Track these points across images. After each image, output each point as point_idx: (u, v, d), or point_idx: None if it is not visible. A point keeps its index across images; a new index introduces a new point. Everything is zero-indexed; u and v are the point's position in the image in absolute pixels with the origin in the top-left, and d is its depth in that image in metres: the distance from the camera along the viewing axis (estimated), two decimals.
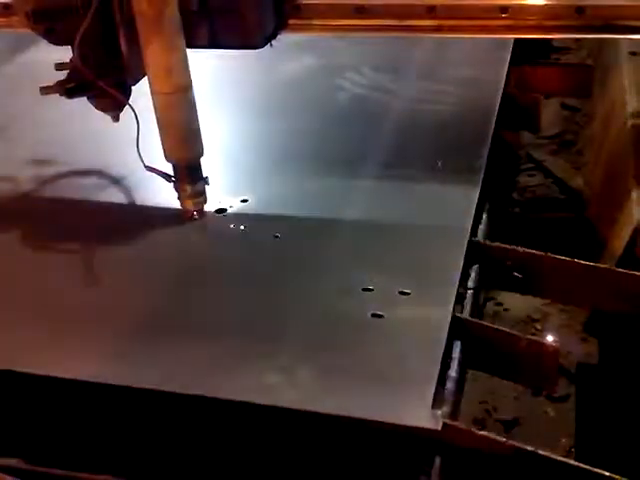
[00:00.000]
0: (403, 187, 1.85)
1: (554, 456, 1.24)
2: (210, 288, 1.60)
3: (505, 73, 2.28)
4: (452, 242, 1.64)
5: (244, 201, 1.83)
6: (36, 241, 1.76)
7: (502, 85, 2.23)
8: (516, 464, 1.25)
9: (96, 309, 1.56)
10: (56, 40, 1.54)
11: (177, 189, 1.73)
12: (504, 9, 1.57)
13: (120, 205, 1.88)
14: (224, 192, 1.81)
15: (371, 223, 1.74)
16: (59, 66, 1.58)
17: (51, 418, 1.42)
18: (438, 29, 1.63)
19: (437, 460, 1.25)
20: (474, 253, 1.64)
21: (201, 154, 1.70)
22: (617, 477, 1.20)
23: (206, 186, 1.75)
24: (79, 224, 1.82)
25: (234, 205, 1.81)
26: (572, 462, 1.24)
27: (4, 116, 2.32)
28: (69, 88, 1.58)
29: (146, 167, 1.71)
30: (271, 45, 1.69)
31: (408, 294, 1.51)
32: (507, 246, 1.64)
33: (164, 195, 1.80)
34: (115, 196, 1.91)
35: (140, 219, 1.81)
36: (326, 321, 1.48)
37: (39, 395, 1.42)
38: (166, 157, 1.69)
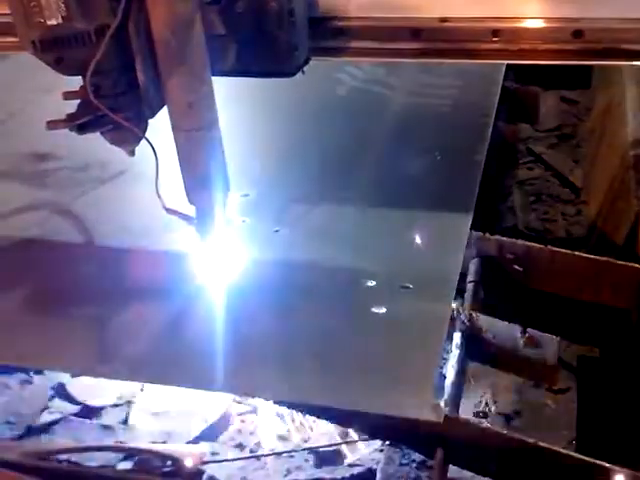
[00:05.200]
0: (403, 181, 1.85)
1: (555, 448, 1.24)
2: (210, 279, 1.60)
3: (504, 65, 2.27)
4: (452, 236, 1.65)
5: (244, 195, 1.83)
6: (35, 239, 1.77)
7: (501, 78, 2.23)
8: (517, 456, 1.26)
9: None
10: (66, 70, 1.36)
11: (199, 232, 1.55)
12: (495, 32, 1.44)
13: (117, 198, 1.88)
14: None
15: (372, 217, 1.74)
16: (68, 95, 1.39)
17: None
18: (424, 53, 1.49)
19: (439, 452, 1.26)
20: (474, 247, 1.64)
21: (226, 196, 1.53)
22: (618, 468, 1.21)
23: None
24: (79, 219, 1.83)
25: (234, 199, 1.81)
26: (573, 454, 1.25)
27: (2, 111, 2.31)
28: (80, 124, 1.39)
29: (166, 209, 1.54)
30: (303, 72, 1.52)
31: (409, 288, 1.52)
32: (507, 239, 1.65)
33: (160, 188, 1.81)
34: (113, 190, 1.91)
35: (137, 211, 1.81)
36: (327, 315, 1.48)
37: None
38: (188, 198, 1.51)
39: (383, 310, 1.47)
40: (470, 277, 1.59)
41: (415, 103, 2.18)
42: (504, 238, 1.65)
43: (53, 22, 1.29)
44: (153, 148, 1.46)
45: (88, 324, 1.51)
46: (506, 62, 2.03)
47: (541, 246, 1.62)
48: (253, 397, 1.32)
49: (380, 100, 2.20)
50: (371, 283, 1.53)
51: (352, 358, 1.37)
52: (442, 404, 1.27)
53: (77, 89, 1.38)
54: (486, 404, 1.84)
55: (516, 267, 1.65)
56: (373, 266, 1.58)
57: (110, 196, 1.90)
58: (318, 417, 1.36)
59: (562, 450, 1.25)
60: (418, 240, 1.66)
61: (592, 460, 1.22)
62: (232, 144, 2.05)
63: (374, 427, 1.34)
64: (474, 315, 1.48)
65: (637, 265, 1.57)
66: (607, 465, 1.21)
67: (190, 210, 1.55)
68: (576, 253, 1.61)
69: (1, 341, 1.48)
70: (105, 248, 1.72)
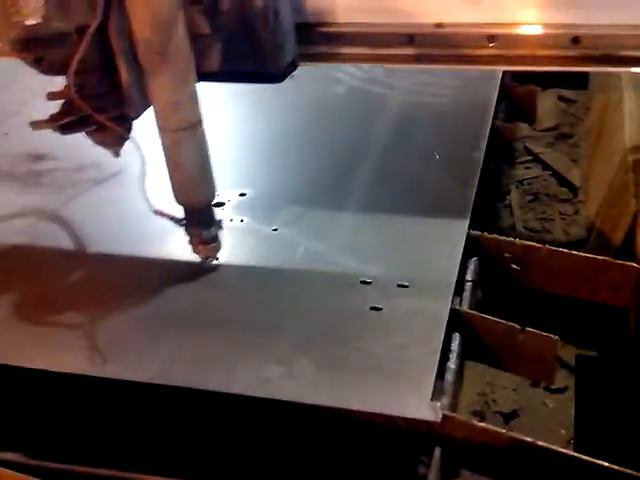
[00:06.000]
0: (402, 180, 1.85)
1: (553, 447, 1.24)
2: (208, 280, 1.60)
3: None
4: (450, 235, 1.65)
5: (242, 195, 1.83)
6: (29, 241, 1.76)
7: (499, 77, 2.23)
8: (515, 455, 1.26)
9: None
10: (47, 70, 1.33)
11: (188, 233, 1.58)
12: (491, 38, 1.42)
13: (114, 198, 1.88)
14: (222, 186, 1.80)
15: (369, 216, 1.74)
16: (51, 96, 1.37)
17: (51, 412, 1.43)
18: (417, 59, 1.47)
19: (437, 451, 1.26)
20: (472, 246, 1.64)
21: (213, 196, 1.55)
22: (616, 467, 1.20)
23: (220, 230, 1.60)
24: (74, 221, 1.82)
25: (232, 199, 1.81)
26: (571, 453, 1.25)
27: None
28: (64, 124, 1.37)
29: (154, 211, 1.55)
30: (292, 77, 1.53)
31: (407, 287, 1.52)
32: (505, 238, 1.64)
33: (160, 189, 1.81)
34: (108, 191, 1.91)
35: (134, 210, 1.81)
36: (325, 314, 1.48)
37: (38, 389, 1.42)
38: (176, 199, 1.53)
39: (381, 309, 1.47)
40: (468, 276, 1.59)
41: (413, 102, 2.18)
42: (502, 237, 1.65)
43: (32, 22, 1.27)
44: (139, 149, 1.46)
45: (83, 328, 1.50)
46: (502, 68, 2.03)
47: (539, 245, 1.62)
48: (253, 395, 1.31)
49: (378, 99, 2.20)
50: (369, 282, 1.53)
51: (350, 357, 1.38)
52: (440, 403, 1.27)
53: (62, 89, 1.37)
54: (484, 403, 1.84)
55: (514, 266, 1.65)
56: (371, 265, 1.58)
57: (105, 197, 1.89)
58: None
59: (560, 449, 1.25)
60: (416, 239, 1.66)
61: (590, 459, 1.22)
62: (231, 143, 2.06)
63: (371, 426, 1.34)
64: (472, 314, 1.48)
65: (635, 264, 1.57)
66: (605, 464, 1.21)
67: (178, 211, 1.56)
68: (574, 252, 1.61)
69: None
70: (100, 250, 1.71)
